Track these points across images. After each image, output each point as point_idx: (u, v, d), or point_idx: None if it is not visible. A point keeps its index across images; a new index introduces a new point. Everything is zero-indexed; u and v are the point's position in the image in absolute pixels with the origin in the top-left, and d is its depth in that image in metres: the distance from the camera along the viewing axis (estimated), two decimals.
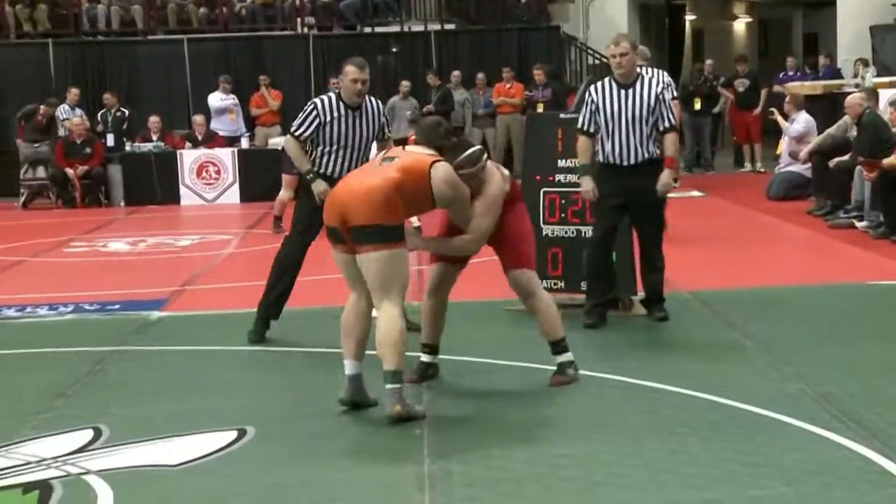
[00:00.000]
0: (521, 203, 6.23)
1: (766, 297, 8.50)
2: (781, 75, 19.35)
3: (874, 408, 5.50)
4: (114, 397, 6.23)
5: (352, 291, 5.76)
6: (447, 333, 6.27)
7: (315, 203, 7.09)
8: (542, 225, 8.16)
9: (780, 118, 14.88)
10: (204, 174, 17.18)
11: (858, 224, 11.62)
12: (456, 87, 19.12)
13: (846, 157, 12.28)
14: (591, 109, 7.58)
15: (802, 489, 4.46)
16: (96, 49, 20.19)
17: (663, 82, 7.80)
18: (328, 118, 7.16)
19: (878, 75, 16.80)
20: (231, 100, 18.40)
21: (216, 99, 18.39)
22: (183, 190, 17.18)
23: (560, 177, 8.24)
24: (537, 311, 6.12)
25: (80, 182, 17.12)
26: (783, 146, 14.84)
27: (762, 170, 17.79)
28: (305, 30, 20.58)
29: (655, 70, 8.55)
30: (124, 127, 18.13)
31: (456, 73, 19.28)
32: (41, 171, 17.66)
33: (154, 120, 17.77)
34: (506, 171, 6.17)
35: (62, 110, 18.19)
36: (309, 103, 7.29)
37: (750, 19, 28.88)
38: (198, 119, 17.82)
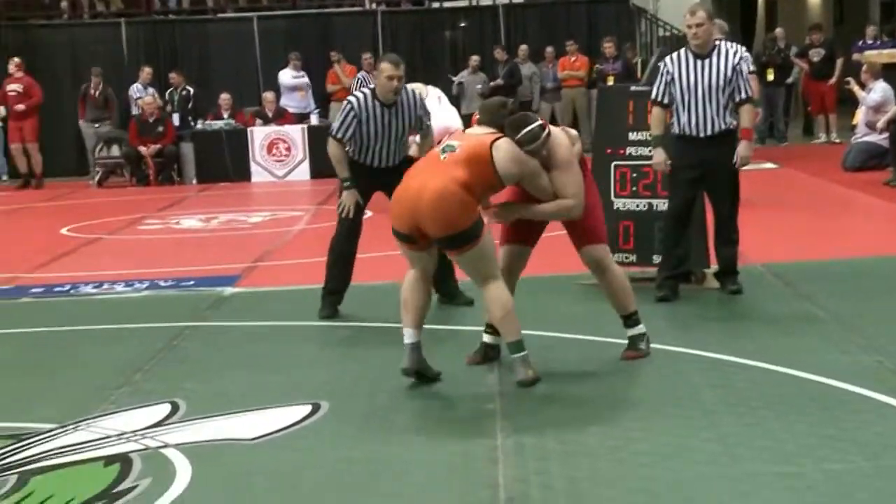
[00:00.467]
0: (589, 176, 6.13)
1: (841, 269, 8.39)
2: (860, 43, 18.96)
3: None
4: (190, 372, 6.32)
5: (412, 268, 5.79)
6: (517, 308, 6.22)
7: (362, 187, 7.20)
8: (612, 198, 8.11)
9: (856, 88, 14.62)
10: (274, 151, 17.31)
11: None
12: (523, 62, 19.05)
13: None
14: (665, 80, 7.52)
15: (882, 463, 4.40)
16: (167, 28, 20.40)
17: (741, 54, 7.69)
18: (364, 116, 7.12)
19: None
20: (302, 77, 18.49)
21: (287, 76, 18.50)
22: (254, 167, 17.32)
23: (631, 150, 8.18)
24: (611, 284, 6.05)
25: (153, 160, 17.33)
26: (860, 116, 14.58)
27: (837, 140, 17.50)
28: (373, 6, 20.62)
29: (734, 44, 8.44)
30: (189, 106, 18.30)
31: (523, 46, 19.21)
32: (115, 150, 17.90)
33: (225, 97, 17.93)
34: (573, 132, 6.07)
35: (135, 89, 18.43)
36: (345, 102, 7.23)
37: None
38: (268, 96, 17.95)
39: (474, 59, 18.64)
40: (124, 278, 9.29)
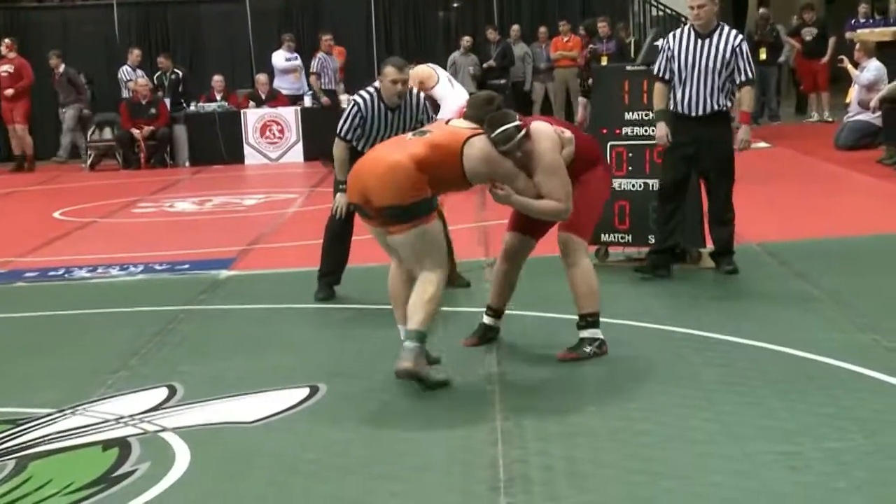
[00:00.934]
0: (600, 168, 5.93)
1: (836, 248, 8.41)
2: (853, 22, 18.93)
3: None
4: (187, 356, 6.31)
5: (391, 259, 5.72)
6: (517, 288, 6.22)
7: None
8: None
9: (849, 66, 14.61)
10: (268, 133, 17.27)
11: None
12: (516, 42, 19.00)
13: None
14: (666, 56, 7.56)
15: (881, 440, 4.41)
16: (159, 10, 20.30)
17: (741, 35, 7.67)
18: (370, 116, 7.11)
19: None
20: (295, 59, 18.43)
21: (281, 58, 18.41)
22: (247, 149, 17.29)
23: (627, 129, 8.17)
24: (575, 279, 5.81)
25: (146, 143, 17.27)
26: (853, 94, 14.57)
27: (830, 119, 17.50)
28: None
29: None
30: (180, 89, 18.22)
31: (515, 27, 19.16)
32: (108, 133, 17.84)
33: (218, 79, 17.89)
34: (568, 134, 5.74)
35: (124, 71, 18.34)
36: (351, 103, 7.21)
37: None
38: (261, 78, 17.90)
39: (466, 40, 18.58)
40: (119, 262, 9.27)
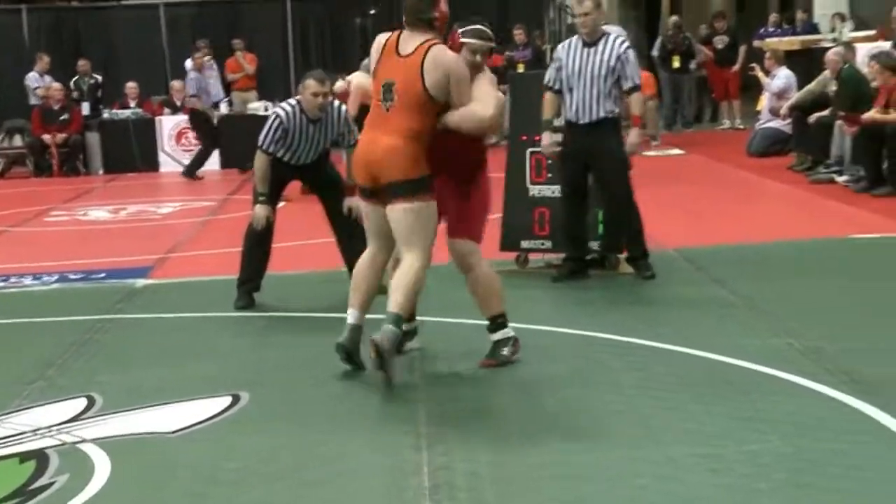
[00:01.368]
0: (487, 176, 5.93)
1: (751, 253, 8.54)
2: (762, 30, 19.31)
3: (861, 360, 5.55)
4: (105, 366, 6.22)
5: (371, 244, 5.76)
6: (432, 296, 6.24)
7: (278, 173, 7.26)
8: (528, 185, 8.18)
9: (761, 74, 14.88)
10: (183, 140, 17.09)
11: (839, 179, 11.67)
12: None
13: (826, 113, 12.30)
14: (556, 66, 7.70)
15: (797, 442, 4.49)
16: (70, 15, 20.04)
17: (628, 42, 7.77)
18: (291, 128, 7.17)
19: (855, 30, 16.80)
20: (209, 68, 18.26)
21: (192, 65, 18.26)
22: (162, 157, 17.10)
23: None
24: (475, 284, 5.78)
25: (58, 150, 16.98)
26: (764, 102, 14.85)
27: (742, 126, 17.77)
28: None
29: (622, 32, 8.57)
30: (99, 94, 17.99)
31: None
32: (18, 140, 17.52)
33: (131, 86, 17.65)
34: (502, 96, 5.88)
35: (32, 78, 18.02)
36: (272, 115, 7.25)
37: None
38: (176, 85, 17.69)
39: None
40: (32, 271, 9.11)
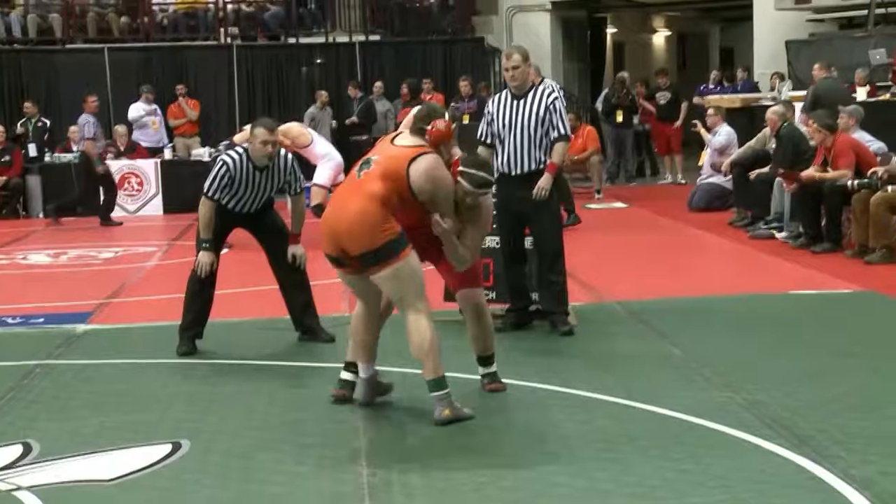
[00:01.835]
0: None
1: (693, 306, 8.60)
2: (702, 87, 19.63)
3: (802, 415, 5.60)
4: (43, 412, 6.12)
5: (359, 303, 5.84)
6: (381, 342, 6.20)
7: (222, 220, 7.25)
8: None
9: (703, 130, 15.10)
10: (126, 185, 16.95)
11: (778, 235, 11.83)
12: (378, 98, 19.12)
13: (766, 169, 12.50)
14: (487, 121, 7.75)
15: (739, 496, 4.51)
16: (13, 57, 19.85)
17: (556, 94, 7.81)
18: (238, 176, 7.17)
19: (794, 89, 17.11)
20: (154, 111, 18.19)
21: (138, 111, 18.18)
22: None
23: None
24: (484, 326, 6.09)
25: None
26: (705, 158, 15.04)
27: (683, 181, 18.00)
28: (229, 40, 20.46)
29: (551, 84, 8.68)
30: (45, 137, 17.83)
31: (378, 83, 19.29)
32: None
33: (74, 130, 17.48)
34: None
35: None
36: (219, 162, 7.24)
37: (669, 33, 29.37)
38: (119, 129, 17.58)
39: (323, 95, 18.65)
40: None
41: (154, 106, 18.28)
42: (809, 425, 5.40)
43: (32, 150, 17.42)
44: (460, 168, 5.73)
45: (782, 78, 18.37)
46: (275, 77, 20.18)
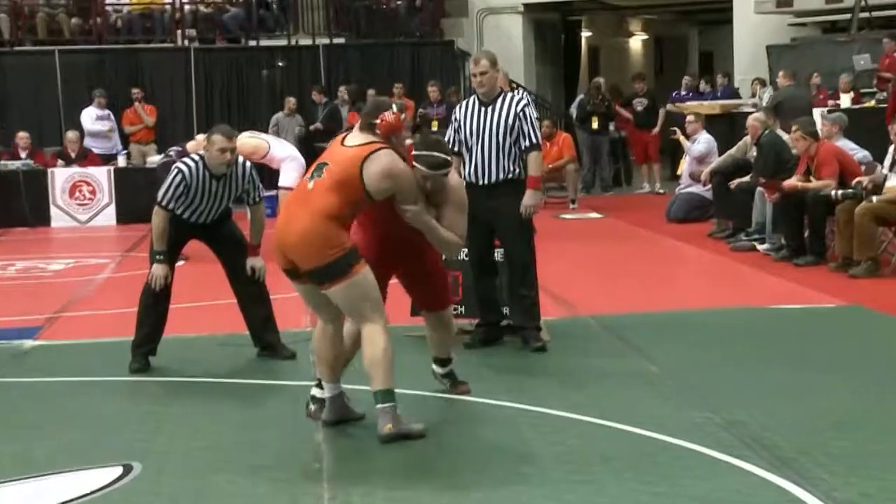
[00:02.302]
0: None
1: (670, 321, 8.38)
2: (674, 94, 19.26)
3: (782, 434, 5.43)
4: None
5: (318, 318, 5.69)
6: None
7: (177, 231, 7.06)
8: None
9: (682, 138, 14.77)
10: (77, 194, 16.47)
11: (760, 247, 11.53)
12: (343, 104, 18.72)
13: (747, 179, 12.18)
14: (454, 127, 7.54)
15: None
16: None
17: (526, 101, 7.59)
18: (193, 185, 6.98)
19: None
20: (107, 117, 17.74)
21: (89, 116, 17.68)
22: (54, 211, 16.40)
23: None
24: (449, 333, 6.19)
25: None
26: (684, 166, 14.71)
27: (661, 191, 17.58)
28: (186, 42, 20.02)
29: (520, 90, 8.39)
30: None
31: (342, 88, 18.90)
32: None
33: (23, 136, 16.94)
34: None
35: None
36: (174, 170, 7.03)
37: (646, 37, 29.05)
38: (70, 136, 17.06)
39: (291, 102, 18.25)
40: None
41: (107, 111, 17.81)
42: (790, 445, 5.25)
43: None
44: (414, 153, 5.63)
45: (763, 84, 18.13)
46: (234, 81, 19.78)
